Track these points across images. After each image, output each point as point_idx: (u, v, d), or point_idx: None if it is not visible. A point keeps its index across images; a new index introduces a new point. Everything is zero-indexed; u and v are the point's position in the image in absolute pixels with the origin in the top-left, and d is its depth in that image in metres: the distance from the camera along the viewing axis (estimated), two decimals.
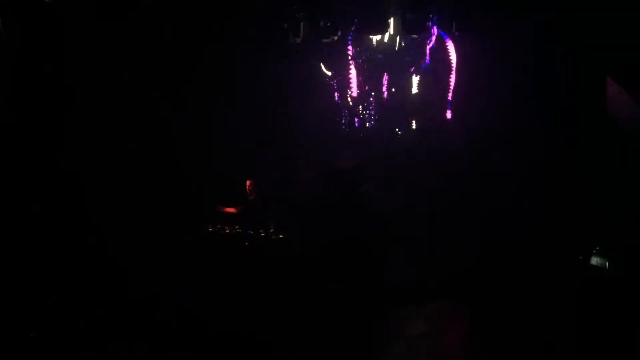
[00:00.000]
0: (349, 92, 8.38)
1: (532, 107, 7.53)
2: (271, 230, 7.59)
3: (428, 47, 8.28)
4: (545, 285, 6.73)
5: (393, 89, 8.33)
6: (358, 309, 6.66)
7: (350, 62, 8.32)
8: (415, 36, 8.03)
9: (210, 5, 7.34)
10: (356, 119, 8.40)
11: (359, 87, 8.35)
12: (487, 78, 7.81)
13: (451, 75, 8.09)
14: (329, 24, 7.79)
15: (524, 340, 5.72)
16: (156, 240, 7.18)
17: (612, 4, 6.11)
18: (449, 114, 8.32)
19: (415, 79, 8.32)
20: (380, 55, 8.38)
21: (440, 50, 8.19)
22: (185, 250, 7.24)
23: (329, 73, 8.40)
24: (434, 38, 8.15)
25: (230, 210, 7.77)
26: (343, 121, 8.39)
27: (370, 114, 8.44)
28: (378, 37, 8.23)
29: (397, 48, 8.35)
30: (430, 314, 6.62)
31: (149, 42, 7.46)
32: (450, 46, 8.13)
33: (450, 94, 8.14)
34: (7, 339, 5.64)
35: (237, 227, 7.63)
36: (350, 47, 8.19)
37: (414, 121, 8.40)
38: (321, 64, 8.36)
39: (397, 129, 8.41)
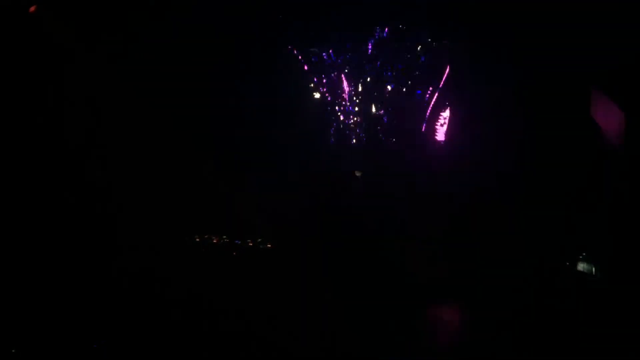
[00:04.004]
0: (339, 101, 8.43)
1: (518, 114, 7.64)
2: (259, 240, 7.53)
3: (416, 58, 8.38)
4: (534, 289, 6.82)
5: (383, 98, 8.40)
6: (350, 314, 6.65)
7: (340, 72, 8.38)
8: (403, 45, 8.13)
9: (200, 14, 7.31)
10: (347, 128, 8.46)
11: (348, 96, 8.40)
12: (476, 86, 7.90)
13: (440, 84, 8.19)
14: (317, 34, 7.84)
15: (520, 342, 5.77)
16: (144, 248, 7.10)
17: (599, 16, 6.28)
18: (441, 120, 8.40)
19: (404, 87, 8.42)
20: (368, 66, 8.46)
21: (429, 60, 8.28)
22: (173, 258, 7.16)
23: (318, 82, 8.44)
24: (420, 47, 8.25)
25: None
26: (333, 131, 8.42)
27: (359, 123, 8.48)
28: (366, 47, 8.31)
29: (385, 58, 8.44)
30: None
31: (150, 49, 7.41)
32: (440, 56, 8.22)
33: (441, 103, 8.23)
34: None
35: (224, 237, 7.56)
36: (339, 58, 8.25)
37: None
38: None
39: (387, 138, 8.47)
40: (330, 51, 8.17)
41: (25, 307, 6.04)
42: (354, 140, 8.48)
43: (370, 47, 8.19)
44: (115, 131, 7.51)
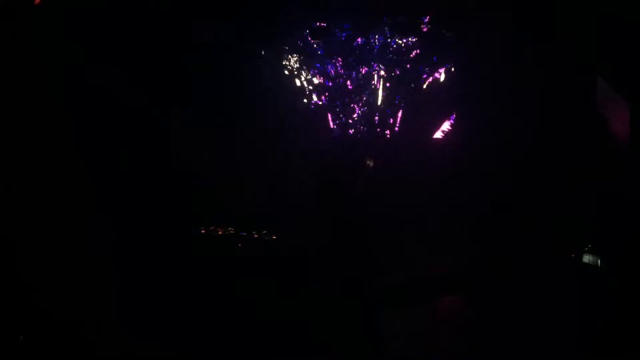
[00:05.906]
0: (337, 95, 8.42)
1: (523, 107, 7.61)
2: (264, 232, 7.57)
3: (416, 50, 8.36)
4: (538, 283, 6.81)
5: (383, 92, 8.39)
6: (348, 309, 6.68)
7: (340, 64, 8.37)
8: (404, 39, 8.10)
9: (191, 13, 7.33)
10: (344, 120, 8.46)
11: (346, 89, 8.40)
12: (478, 79, 7.88)
13: (441, 76, 8.16)
14: (319, 27, 7.83)
15: (519, 338, 5.77)
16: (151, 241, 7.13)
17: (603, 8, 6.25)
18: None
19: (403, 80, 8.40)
20: (370, 59, 8.45)
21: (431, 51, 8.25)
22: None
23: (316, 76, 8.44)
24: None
25: None
26: (332, 124, 8.42)
27: (358, 116, 8.48)
28: (367, 39, 8.29)
29: (386, 50, 8.43)
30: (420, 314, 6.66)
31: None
32: (442, 48, 8.19)
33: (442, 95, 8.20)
34: None
35: (230, 228, 7.61)
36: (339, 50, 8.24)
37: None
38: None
39: (384, 132, 8.47)
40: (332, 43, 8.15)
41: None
42: (359, 135, 8.50)
43: (373, 40, 8.19)
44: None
